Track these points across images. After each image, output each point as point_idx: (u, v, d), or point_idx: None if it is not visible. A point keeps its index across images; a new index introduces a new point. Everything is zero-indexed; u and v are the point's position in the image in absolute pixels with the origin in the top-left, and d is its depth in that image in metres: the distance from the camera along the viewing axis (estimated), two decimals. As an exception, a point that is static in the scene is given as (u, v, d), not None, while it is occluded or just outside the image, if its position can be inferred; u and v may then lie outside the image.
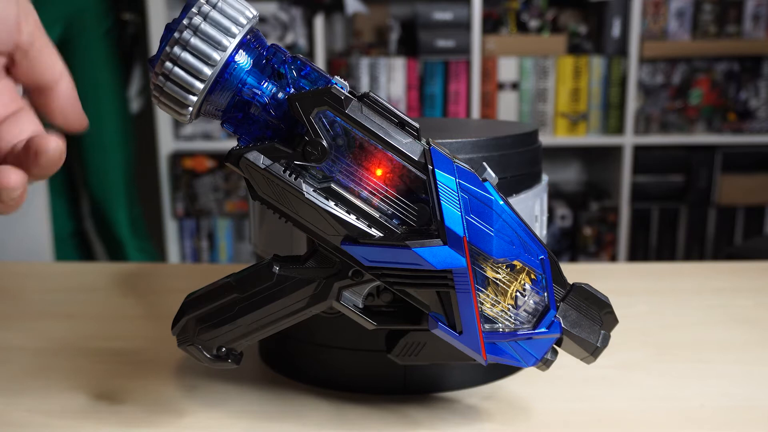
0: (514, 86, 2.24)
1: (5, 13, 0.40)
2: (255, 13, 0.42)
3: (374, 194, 0.43)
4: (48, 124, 0.43)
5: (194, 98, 0.41)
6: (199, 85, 0.40)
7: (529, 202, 0.56)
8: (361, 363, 0.55)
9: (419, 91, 2.23)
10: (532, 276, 0.45)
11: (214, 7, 0.40)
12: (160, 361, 0.61)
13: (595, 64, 2.22)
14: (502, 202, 0.43)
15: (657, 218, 2.33)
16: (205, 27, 0.40)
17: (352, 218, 0.42)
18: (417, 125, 0.42)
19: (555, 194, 2.41)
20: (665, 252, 2.35)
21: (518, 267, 0.44)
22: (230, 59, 0.41)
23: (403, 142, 0.42)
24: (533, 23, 2.27)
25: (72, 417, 0.52)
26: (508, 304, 0.45)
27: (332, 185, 0.42)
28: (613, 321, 0.48)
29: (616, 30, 2.21)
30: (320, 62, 2.19)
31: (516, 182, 0.55)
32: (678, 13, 2.22)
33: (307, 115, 0.41)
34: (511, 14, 2.26)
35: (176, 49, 0.40)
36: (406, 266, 0.43)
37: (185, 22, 0.40)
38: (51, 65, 0.42)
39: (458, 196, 0.42)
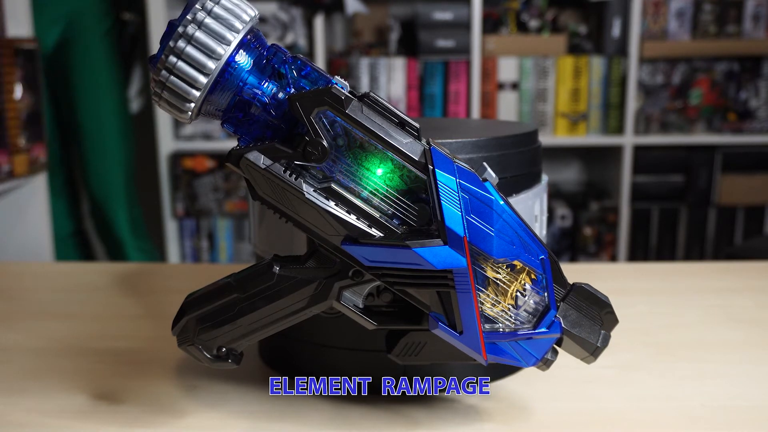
0: (514, 86, 2.24)
1: None
2: (255, 12, 0.42)
3: (374, 194, 0.43)
4: None
5: (197, 94, 0.41)
6: (203, 80, 0.40)
7: (529, 202, 0.56)
8: (361, 363, 0.55)
9: (419, 91, 2.22)
10: (533, 276, 0.45)
11: (216, 4, 0.40)
12: (160, 361, 0.61)
13: (595, 64, 2.21)
14: (502, 202, 0.43)
15: (657, 218, 2.33)
16: (209, 22, 0.40)
17: (352, 218, 0.42)
18: (417, 125, 0.42)
19: (555, 194, 2.41)
20: (665, 252, 2.35)
21: (518, 267, 0.44)
22: (230, 59, 0.41)
23: (403, 142, 0.42)
24: (533, 23, 2.27)
25: (72, 417, 0.52)
26: (508, 304, 0.45)
27: (332, 185, 0.42)
28: (613, 321, 0.48)
29: (616, 30, 2.21)
30: (320, 62, 2.19)
31: (516, 182, 0.55)
32: (678, 13, 2.22)
33: (308, 115, 0.41)
34: (511, 14, 2.26)
35: (180, 43, 0.40)
36: (406, 266, 0.43)
37: (189, 17, 0.40)
38: None
39: (458, 196, 0.42)
